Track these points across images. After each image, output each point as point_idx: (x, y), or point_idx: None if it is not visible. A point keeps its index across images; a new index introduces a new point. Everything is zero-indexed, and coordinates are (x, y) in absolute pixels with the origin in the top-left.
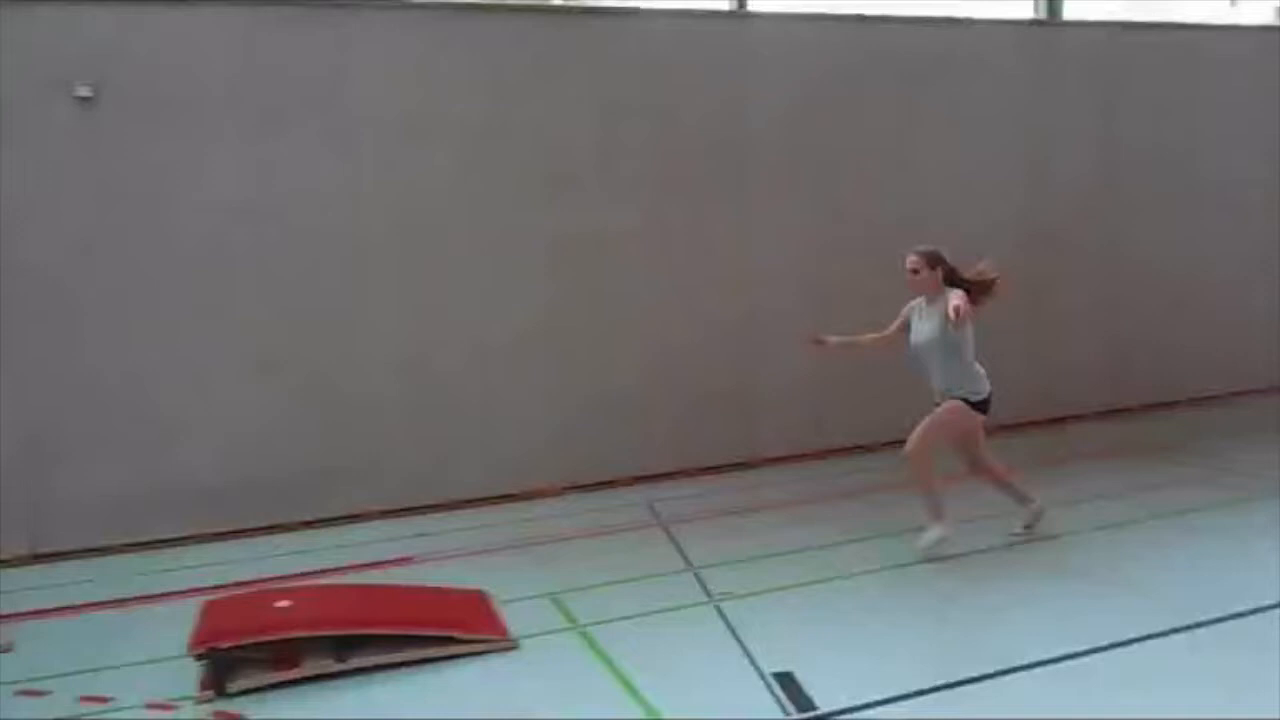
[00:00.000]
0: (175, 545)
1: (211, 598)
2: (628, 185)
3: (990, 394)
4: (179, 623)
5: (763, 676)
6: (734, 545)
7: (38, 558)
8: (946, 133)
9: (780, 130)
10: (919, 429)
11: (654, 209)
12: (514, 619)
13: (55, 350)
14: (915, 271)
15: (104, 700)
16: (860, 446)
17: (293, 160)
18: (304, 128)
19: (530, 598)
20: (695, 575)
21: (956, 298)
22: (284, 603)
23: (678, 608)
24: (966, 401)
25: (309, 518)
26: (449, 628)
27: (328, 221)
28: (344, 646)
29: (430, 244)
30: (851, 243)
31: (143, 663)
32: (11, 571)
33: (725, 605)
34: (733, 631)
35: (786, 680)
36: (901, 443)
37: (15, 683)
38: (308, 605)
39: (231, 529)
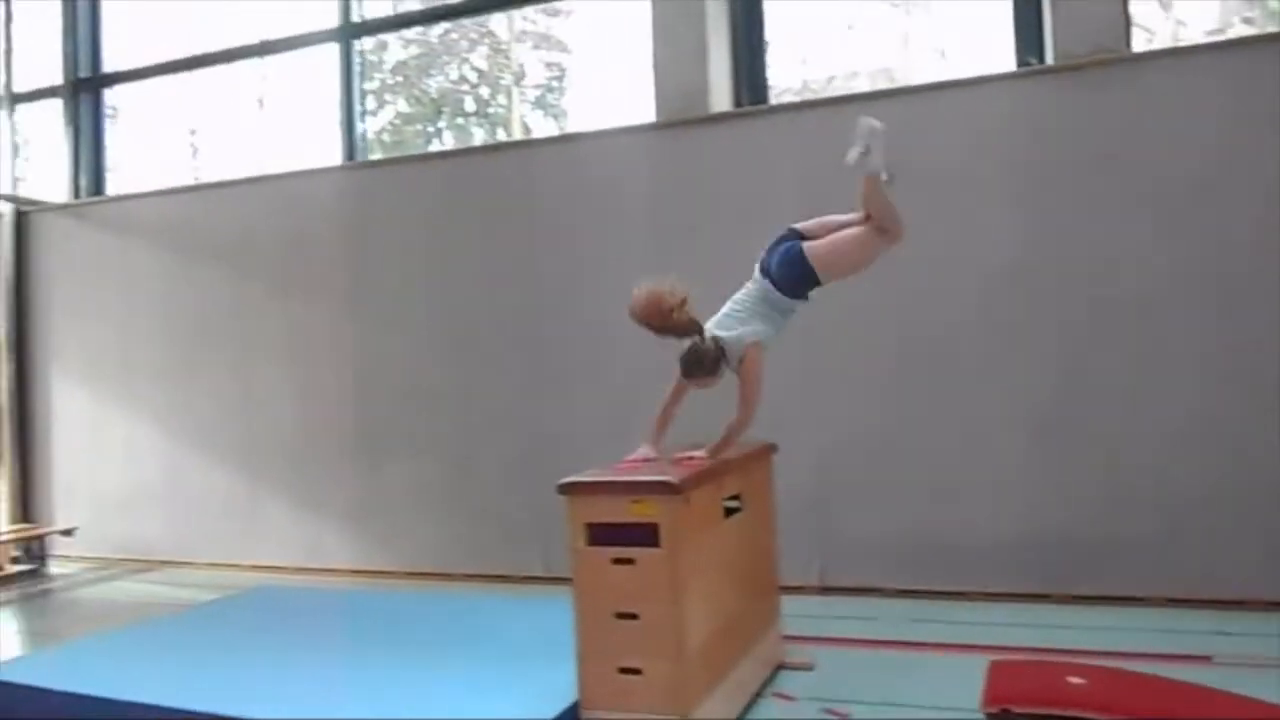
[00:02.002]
0: (945, 598)
1: (994, 658)
2: None
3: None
4: (958, 674)
5: None
6: None
7: (824, 589)
8: None
9: None
10: None
11: None
12: None
13: (848, 407)
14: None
15: None
16: None
17: (1066, 222)
18: (1079, 189)
19: None
20: None
21: None
22: (1077, 679)
23: None
24: None
25: (1084, 592)
26: None
27: (1105, 282)
28: None
29: (1230, 301)
30: None
31: (927, 706)
32: (803, 599)
33: None
34: None
35: None
36: None
37: (819, 700)
38: (1104, 686)
39: (1000, 591)
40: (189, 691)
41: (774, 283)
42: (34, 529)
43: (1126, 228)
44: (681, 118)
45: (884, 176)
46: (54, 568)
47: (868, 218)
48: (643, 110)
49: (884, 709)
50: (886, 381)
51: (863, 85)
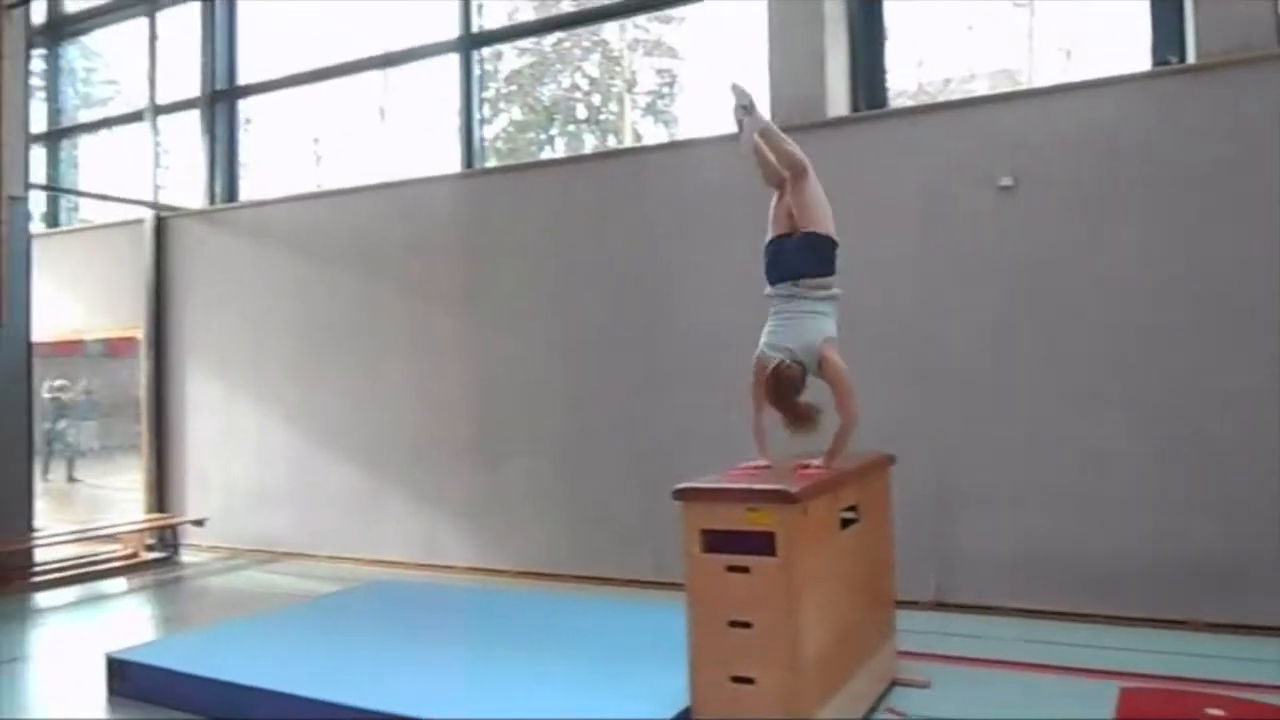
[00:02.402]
0: (1068, 619)
1: (1122, 685)
2: None
3: None
4: (1082, 699)
5: None
6: None
7: (939, 605)
8: None
9: None
10: None
11: None
12: None
13: (970, 418)
14: None
15: None
16: None
17: (1200, 228)
18: (1215, 193)
19: None
20: None
21: None
22: (1216, 710)
23: None
24: None
25: (1220, 619)
26: None
27: (1240, 292)
28: None
29: None
30: None
31: None
32: (917, 614)
33: None
34: None
35: None
36: None
37: (934, 719)
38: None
39: (1128, 615)
40: (311, 679)
41: (806, 275)
42: (168, 518)
43: (1265, 234)
44: (797, 123)
45: (1005, 181)
46: (185, 556)
47: (781, 182)
48: None
49: None
50: (1011, 393)
51: (981, 87)
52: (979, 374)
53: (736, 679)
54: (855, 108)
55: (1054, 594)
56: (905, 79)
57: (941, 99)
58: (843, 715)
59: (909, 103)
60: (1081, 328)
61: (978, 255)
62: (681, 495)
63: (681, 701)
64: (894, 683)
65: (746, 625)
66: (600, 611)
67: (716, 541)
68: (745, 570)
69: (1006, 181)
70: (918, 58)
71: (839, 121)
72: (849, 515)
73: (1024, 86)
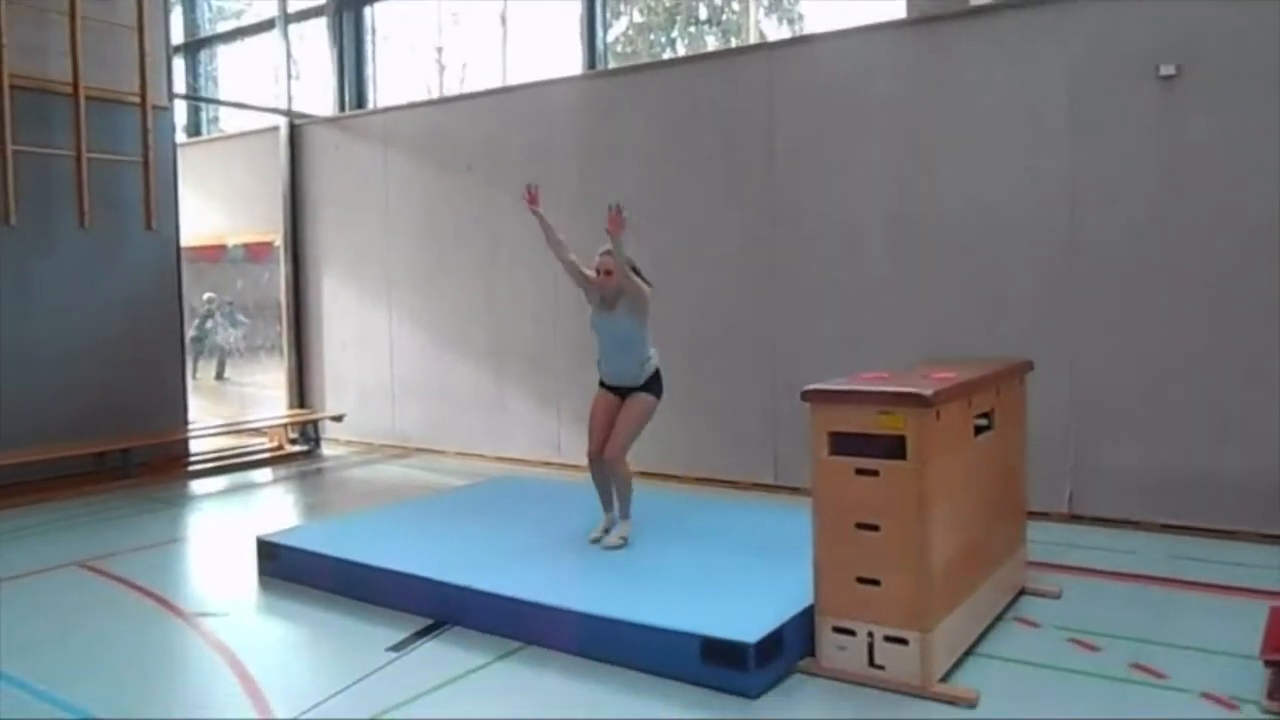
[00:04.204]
0: (1213, 536)
1: (1273, 604)
2: None
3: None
4: (1226, 617)
5: None
6: None
7: (1072, 517)
8: None
9: None
10: (621, 432)
11: None
12: None
13: (1113, 327)
14: (609, 273)
15: (1158, 675)
16: None
17: None
18: None
19: None
20: None
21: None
22: None
23: None
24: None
25: None
26: None
27: None
28: None
29: None
30: None
31: (1192, 648)
32: (1051, 525)
33: None
34: None
35: None
36: None
37: (1065, 629)
38: None
39: (1277, 533)
40: (440, 564)
41: None
42: (309, 414)
43: None
44: (935, 14)
45: (1168, 70)
46: (325, 449)
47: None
48: (886, 8)
49: (1138, 645)
50: (1158, 300)
51: None
52: (1124, 279)
53: (862, 580)
54: None
55: (1199, 509)
56: None
57: None
58: (970, 621)
59: None
60: (1239, 231)
61: (1131, 151)
62: (810, 397)
63: (805, 600)
64: (1023, 592)
65: (874, 528)
66: (719, 511)
67: (845, 444)
68: (874, 473)
69: (1169, 70)
70: None
71: (982, 10)
72: (982, 422)
73: None
